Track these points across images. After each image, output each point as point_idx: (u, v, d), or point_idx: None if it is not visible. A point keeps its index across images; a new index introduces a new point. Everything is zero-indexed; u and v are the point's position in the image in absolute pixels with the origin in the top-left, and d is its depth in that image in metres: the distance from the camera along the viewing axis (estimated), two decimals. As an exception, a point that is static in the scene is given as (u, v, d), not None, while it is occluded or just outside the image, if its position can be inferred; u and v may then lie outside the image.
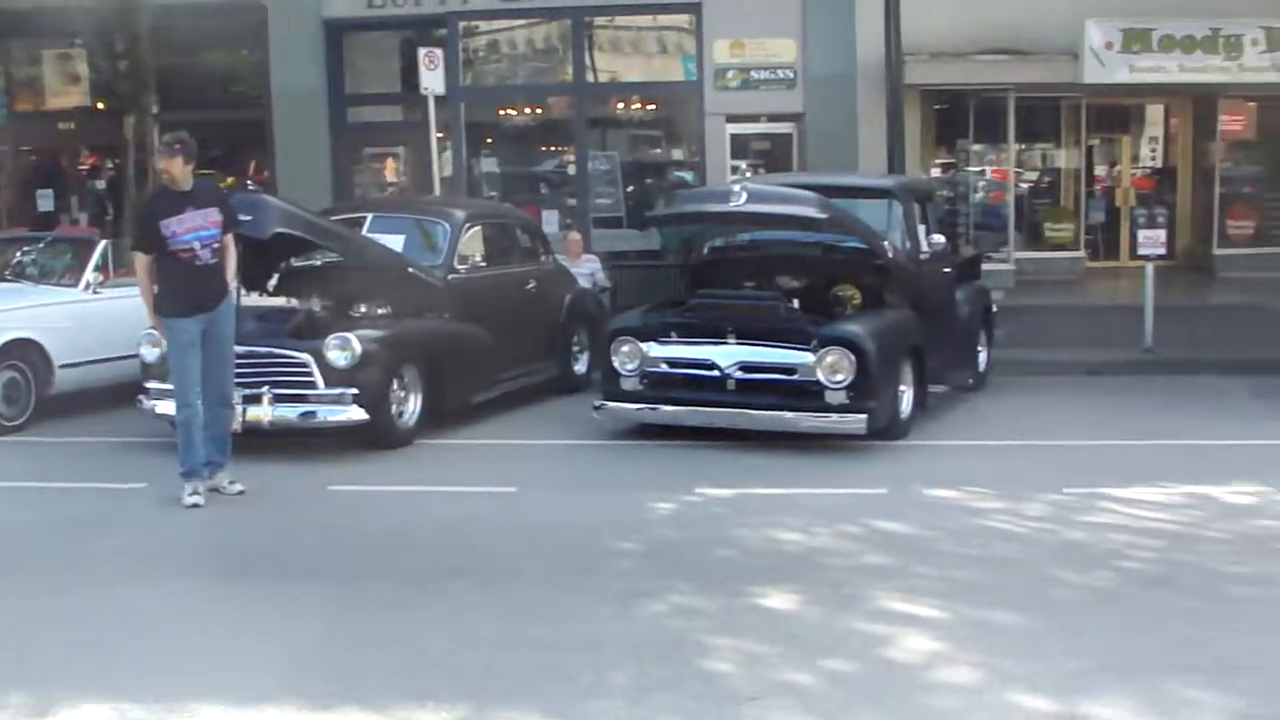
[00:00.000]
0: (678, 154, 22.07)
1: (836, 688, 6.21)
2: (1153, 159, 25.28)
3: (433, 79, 17.74)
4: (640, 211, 19.52)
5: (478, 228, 13.65)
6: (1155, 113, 25.23)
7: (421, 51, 18.08)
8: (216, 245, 9.75)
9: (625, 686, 6.21)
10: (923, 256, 12.66)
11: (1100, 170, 24.53)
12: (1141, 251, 16.24)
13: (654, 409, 11.61)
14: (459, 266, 12.94)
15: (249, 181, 21.67)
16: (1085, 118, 23.01)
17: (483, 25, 21.42)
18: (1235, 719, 5.89)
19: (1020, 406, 13.33)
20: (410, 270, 12.45)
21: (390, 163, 22.91)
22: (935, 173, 22.11)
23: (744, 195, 11.43)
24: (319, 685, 6.28)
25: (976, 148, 22.44)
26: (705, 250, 12.85)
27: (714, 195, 13.02)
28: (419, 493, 10.22)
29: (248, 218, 10.52)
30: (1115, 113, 24.34)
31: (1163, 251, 16.35)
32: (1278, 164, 24.33)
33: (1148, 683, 6.25)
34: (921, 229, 12.78)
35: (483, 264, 13.49)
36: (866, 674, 6.37)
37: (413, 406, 11.79)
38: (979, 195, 22.55)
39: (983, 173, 22.74)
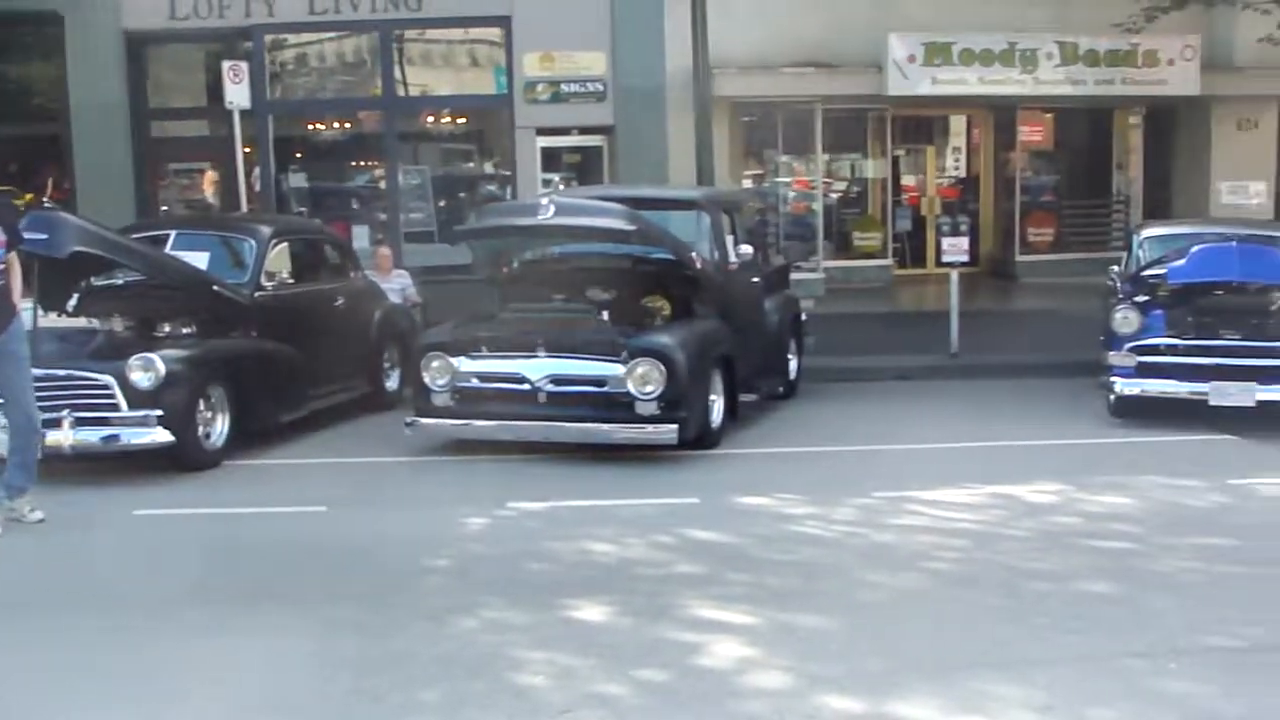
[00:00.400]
0: (489, 167, 21.99)
1: (648, 697, 6.22)
2: (956, 169, 25.94)
3: (237, 92, 17.44)
4: (452, 226, 19.39)
5: (285, 244, 13.41)
6: (958, 124, 25.92)
7: (225, 64, 17.76)
8: (1, 266, 9.41)
9: (436, 704, 6.14)
10: (731, 267, 12.79)
11: (907, 180, 25.07)
12: (946, 259, 16.62)
13: (466, 424, 11.52)
14: (266, 284, 12.70)
15: (46, 198, 21.01)
16: (891, 129, 23.52)
17: (290, 38, 21.09)
18: (1037, 713, 6.03)
19: (830, 413, 13.53)
20: (215, 288, 12.19)
21: (196, 178, 22.43)
22: (746, 183, 22.38)
23: (552, 208, 11.41)
24: (122, 716, 6.11)
25: (785, 159, 22.74)
26: (516, 264, 12.80)
27: (522, 208, 13.00)
28: (228, 515, 10.01)
29: (43, 236, 10.20)
30: (920, 124, 24.94)
31: (966, 259, 16.75)
32: (1075, 173, 25.17)
33: (954, 680, 6.37)
34: (730, 239, 12.91)
35: (290, 281, 13.26)
36: (678, 682, 6.38)
37: (220, 427, 11.53)
38: (788, 206, 22.87)
39: (811, 184, 23.06)
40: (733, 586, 7.88)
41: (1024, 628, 7.13)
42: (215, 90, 18.92)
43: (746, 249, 13.09)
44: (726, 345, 12.02)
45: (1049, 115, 24.69)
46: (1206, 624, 7.24)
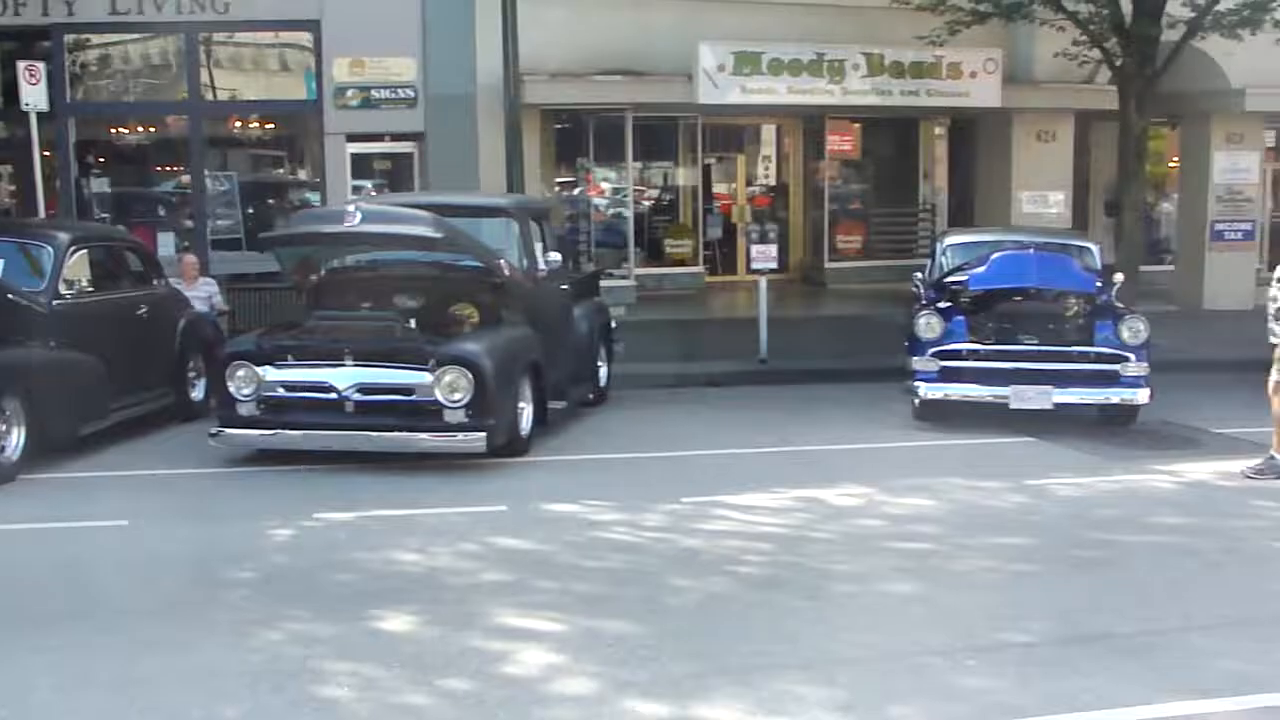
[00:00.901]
0: (300, 174, 21.66)
1: (454, 707, 6.19)
2: (767, 177, 26.29)
3: (35, 94, 16.88)
4: (260, 233, 19.04)
5: (84, 251, 13.01)
6: (769, 132, 26.30)
7: (21, 65, 17.18)
8: None
9: (238, 719, 6.03)
10: (540, 274, 12.78)
11: (719, 188, 25.32)
12: (755, 266, 16.83)
13: (272, 434, 11.31)
14: (64, 292, 12.30)
15: None
16: (702, 137, 23.74)
17: (93, 39, 20.48)
18: (838, 712, 6.14)
19: (641, 419, 13.60)
20: (10, 296, 11.79)
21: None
22: (561, 191, 22.40)
23: (358, 215, 11.28)
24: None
25: (597, 166, 22.80)
26: (323, 271, 12.63)
27: (329, 216, 12.81)
28: (25, 531, 9.66)
29: None
30: (731, 132, 25.24)
31: (774, 266, 16.98)
32: (882, 182, 25.69)
33: (758, 682, 6.45)
34: (539, 247, 12.90)
35: (90, 289, 12.86)
36: (484, 691, 6.36)
37: (15, 440, 11.13)
38: (598, 213, 22.91)
39: (604, 190, 23.12)
40: (540, 594, 7.87)
41: (826, 628, 7.25)
42: (12, 91, 18.32)
43: (555, 256, 13.09)
44: (535, 352, 12.01)
45: (857, 125, 25.18)
46: (1002, 621, 7.44)
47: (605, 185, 23.02)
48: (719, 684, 6.43)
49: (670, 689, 6.36)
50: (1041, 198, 22.88)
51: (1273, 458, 11.20)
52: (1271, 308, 11.12)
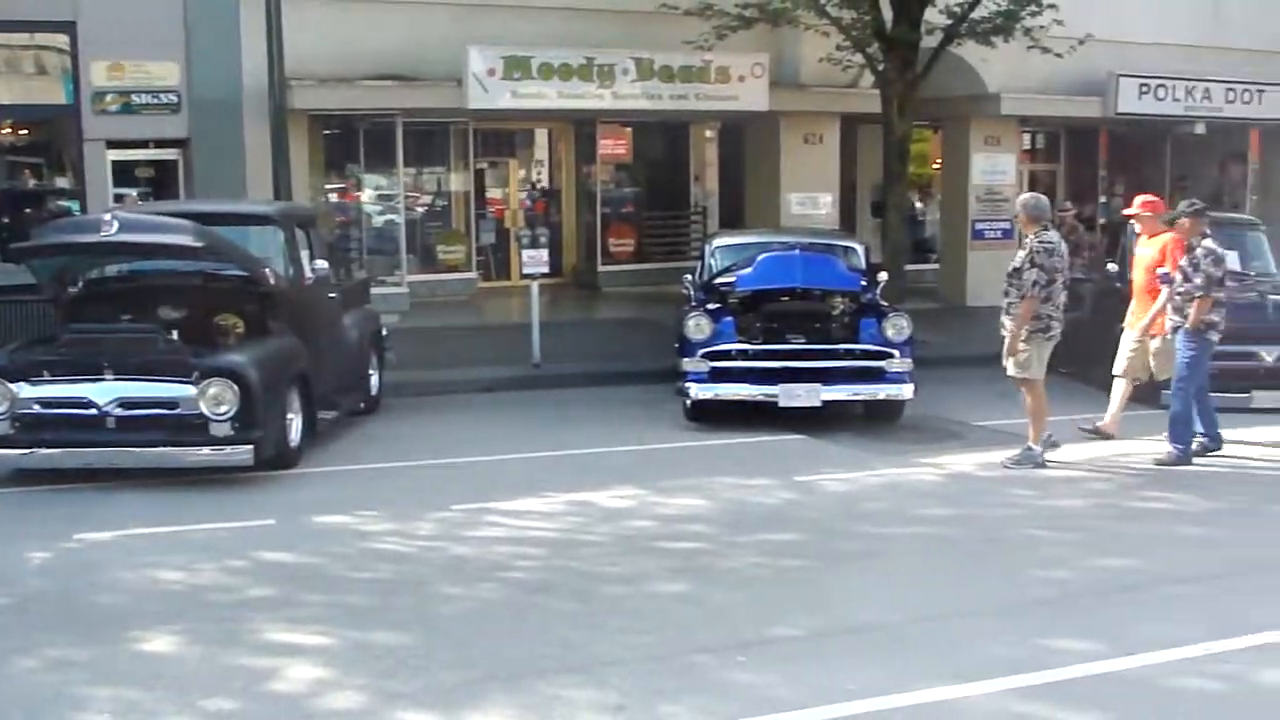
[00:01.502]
0: (60, 181, 20.92)
1: (217, 728, 6.05)
2: (539, 181, 26.28)
3: None
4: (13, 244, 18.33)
5: None
6: (541, 137, 26.28)
7: None
8: None
9: (-13, 752, 5.82)
10: (307, 282, 12.54)
11: (492, 193, 25.22)
12: (527, 271, 16.80)
13: (28, 453, 10.87)
14: None
15: None
16: (474, 142, 23.61)
17: None
18: (609, 713, 6.17)
19: (414, 427, 13.46)
20: None
21: None
22: (331, 198, 22.08)
23: (115, 224, 10.90)
24: None
25: (368, 173, 22.50)
26: (80, 283, 12.21)
27: (84, 225, 12.36)
28: None
29: None
30: (502, 137, 25.17)
31: (546, 270, 16.96)
32: (654, 185, 25.90)
33: (528, 687, 6.44)
34: (305, 254, 12.67)
35: None
36: (249, 710, 6.23)
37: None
38: (369, 219, 22.61)
39: (376, 198, 22.81)
40: (308, 608, 7.74)
41: (598, 631, 7.27)
42: None
43: (323, 264, 12.86)
44: (303, 362, 11.79)
45: (628, 129, 25.36)
46: (771, 616, 7.56)
47: (377, 191, 22.71)
48: (489, 690, 6.40)
49: (440, 698, 6.32)
50: (811, 199, 23.31)
51: (1029, 448, 11.61)
52: (1004, 302, 11.59)
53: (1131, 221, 13.53)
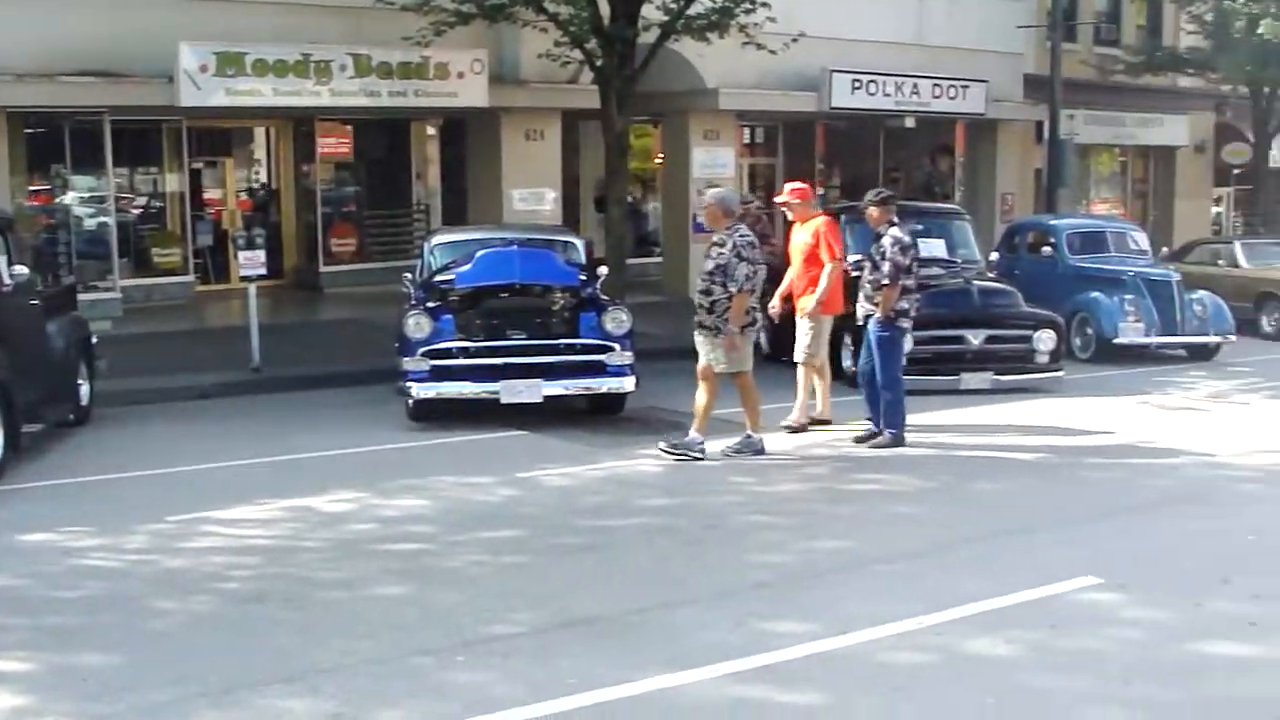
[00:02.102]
0: None
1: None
2: (258, 181, 25.71)
3: None
4: None
5: None
6: (259, 135, 25.70)
7: None
8: None
9: None
10: (5, 289, 11.97)
11: (210, 193, 24.55)
12: (244, 273, 16.42)
13: None
14: None
15: None
16: (188, 141, 22.95)
17: None
18: (325, 722, 6.06)
19: (127, 438, 12.99)
20: None
21: None
22: (34, 200, 21.16)
23: None
24: None
25: (75, 173, 21.60)
26: None
27: None
28: None
29: None
30: (218, 136, 24.55)
31: (264, 272, 16.54)
32: (375, 183, 25.60)
33: (242, 700, 6.28)
34: (2, 260, 12.08)
35: None
36: (-61, 742, 5.92)
37: None
38: (81, 223, 21.72)
39: (85, 199, 21.91)
40: (8, 633, 7.36)
41: (314, 639, 7.14)
42: None
43: (22, 269, 12.25)
44: (3, 372, 11.23)
45: (349, 127, 25.00)
46: (491, 614, 7.53)
47: (86, 193, 21.82)
48: (199, 707, 6.22)
49: (150, 717, 6.10)
50: (534, 195, 23.33)
51: (749, 436, 11.83)
52: (705, 300, 11.66)
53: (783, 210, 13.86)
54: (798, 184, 13.72)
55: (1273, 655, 7.07)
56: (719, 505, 10.24)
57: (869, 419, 12.55)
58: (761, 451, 11.80)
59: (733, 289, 11.46)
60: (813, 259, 13.11)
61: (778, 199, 13.99)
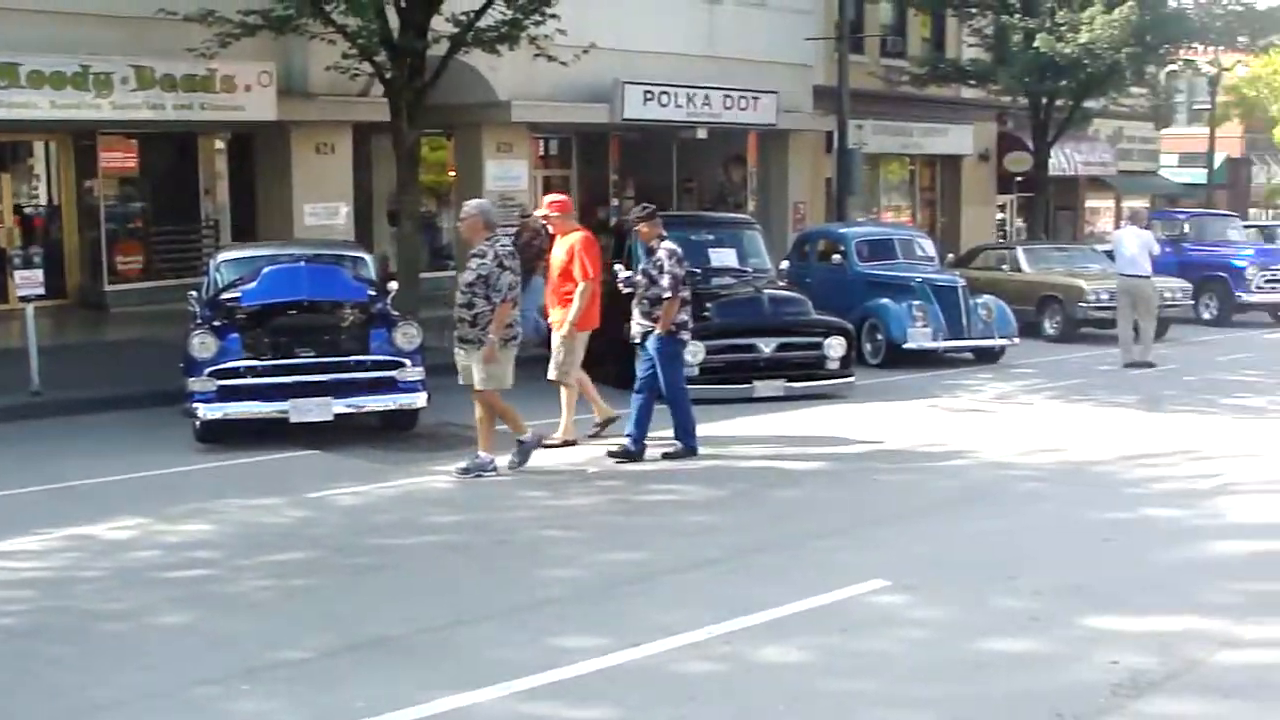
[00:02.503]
0: None
1: None
2: (36, 197, 24.85)
3: None
4: None
5: None
6: (38, 150, 24.84)
7: None
8: None
9: None
10: None
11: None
12: (21, 293, 15.83)
13: None
14: None
15: None
16: (-43, 157, 22.09)
17: None
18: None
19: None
20: None
21: None
22: None
23: None
24: None
25: None
26: None
27: None
28: None
29: None
30: (-7, 150, 23.68)
31: (42, 291, 15.96)
32: (162, 199, 24.93)
33: (11, 744, 6.02)
34: None
35: None
36: None
37: None
38: None
39: None
40: None
41: (92, 675, 6.89)
42: None
43: None
44: None
45: (133, 141, 24.27)
46: (277, 640, 7.36)
47: None
48: (-36, 749, 5.96)
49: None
50: (327, 210, 22.96)
51: (479, 456, 11.59)
52: (467, 313, 11.43)
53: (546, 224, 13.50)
54: (557, 196, 13.49)
55: (1052, 650, 7.25)
56: (511, 520, 10.17)
57: (629, 435, 12.27)
58: (493, 471, 11.48)
59: (496, 300, 11.29)
60: (567, 274, 12.90)
61: (537, 212, 13.82)
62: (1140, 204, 38.71)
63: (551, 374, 12.97)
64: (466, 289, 11.45)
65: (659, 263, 12.16)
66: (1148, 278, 20.12)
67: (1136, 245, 20.04)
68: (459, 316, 11.52)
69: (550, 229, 13.43)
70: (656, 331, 12.16)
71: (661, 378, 12.22)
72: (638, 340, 12.42)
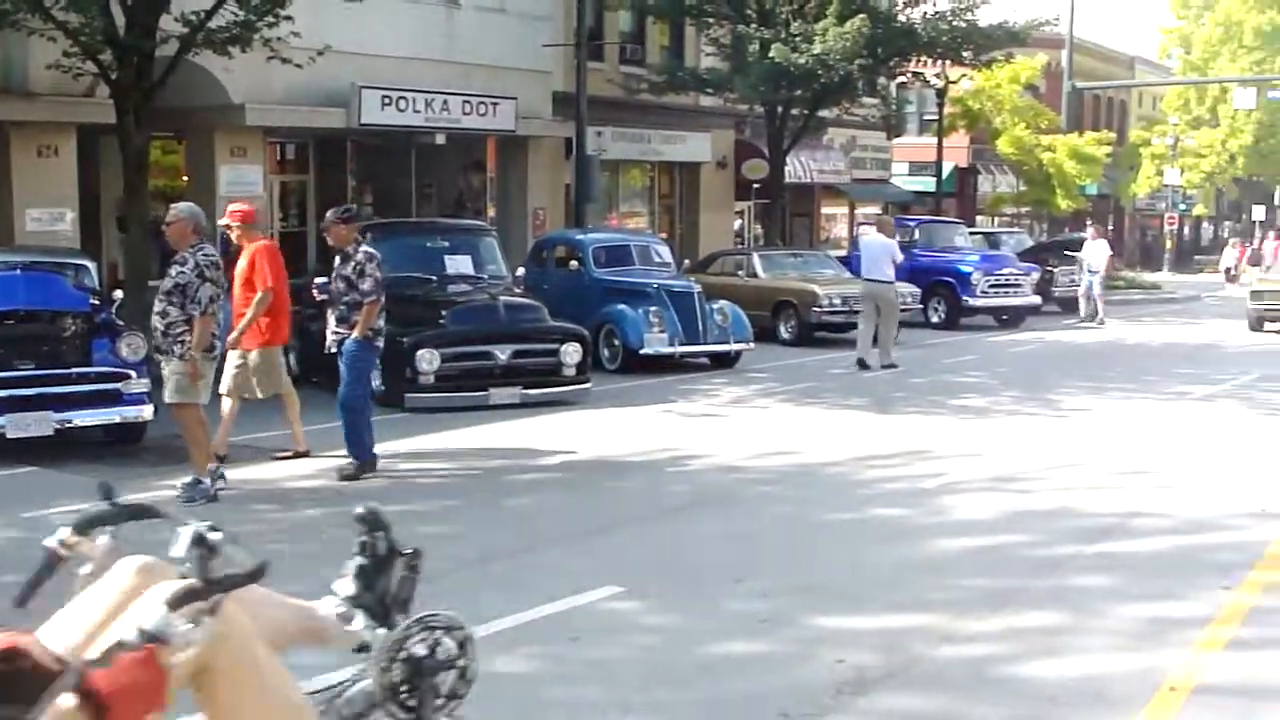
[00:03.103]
0: None
1: None
2: None
3: None
4: None
5: None
6: None
7: None
8: None
9: None
10: None
11: None
12: None
13: None
14: None
15: None
16: None
17: None
18: None
19: None
20: None
21: None
22: None
23: None
24: None
25: None
26: None
27: None
28: None
29: None
30: None
31: None
32: None
33: None
34: None
35: None
36: None
37: None
38: None
39: None
40: None
41: None
42: None
43: None
44: None
45: None
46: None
47: None
48: None
49: None
50: (52, 215, 22.06)
51: (198, 481, 11.05)
52: (160, 323, 10.96)
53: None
54: (239, 206, 12.66)
55: (780, 651, 7.37)
56: (240, 535, 9.84)
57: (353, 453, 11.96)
58: (214, 498, 10.82)
59: (194, 312, 10.81)
60: (249, 284, 12.18)
61: (220, 221, 13.17)
62: (877, 211, 39.87)
63: (222, 388, 12.10)
64: (163, 297, 10.96)
65: (359, 266, 11.79)
66: (890, 283, 20.96)
67: (881, 251, 20.81)
68: (153, 325, 11.06)
69: (234, 239, 12.48)
70: (353, 335, 11.78)
71: (344, 383, 11.82)
72: (335, 350, 12.04)
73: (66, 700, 2.73)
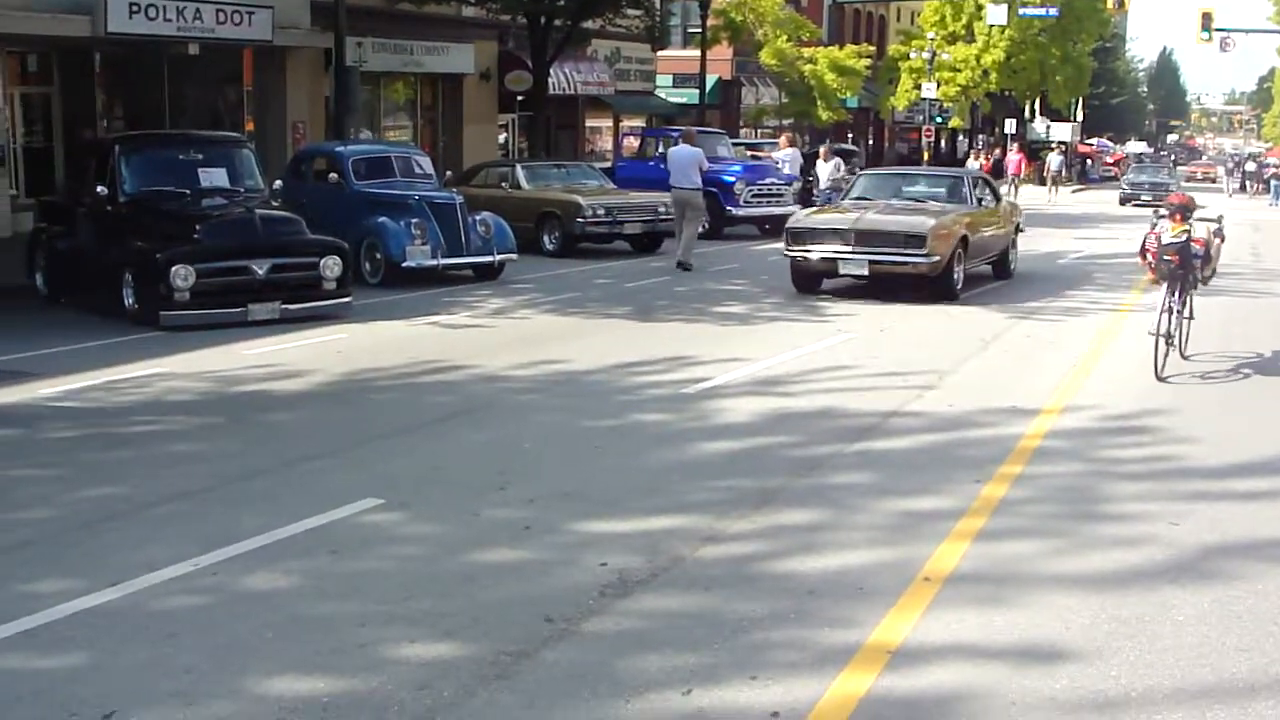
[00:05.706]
0: None
1: None
2: None
3: None
4: None
5: None
6: None
7: None
8: None
9: None
10: None
11: None
12: None
13: None
14: None
15: None
16: None
17: None
18: None
19: None
20: None
21: None
22: None
23: None
24: None
25: None
26: None
27: None
28: None
29: None
30: None
31: None
32: None
33: None
34: None
35: None
36: None
37: None
38: None
39: None
40: None
41: None
42: None
43: None
44: None
45: None
46: None
47: None
48: None
49: None
50: None
51: None
52: None
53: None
54: None
55: (543, 557, 7.35)
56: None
57: None
58: None
59: None
60: None
61: None
62: (640, 124, 39.86)
63: None
64: None
65: None
66: (698, 189, 22.69)
67: (689, 160, 22.61)
68: None
69: None
70: None
71: None
72: None
73: None
